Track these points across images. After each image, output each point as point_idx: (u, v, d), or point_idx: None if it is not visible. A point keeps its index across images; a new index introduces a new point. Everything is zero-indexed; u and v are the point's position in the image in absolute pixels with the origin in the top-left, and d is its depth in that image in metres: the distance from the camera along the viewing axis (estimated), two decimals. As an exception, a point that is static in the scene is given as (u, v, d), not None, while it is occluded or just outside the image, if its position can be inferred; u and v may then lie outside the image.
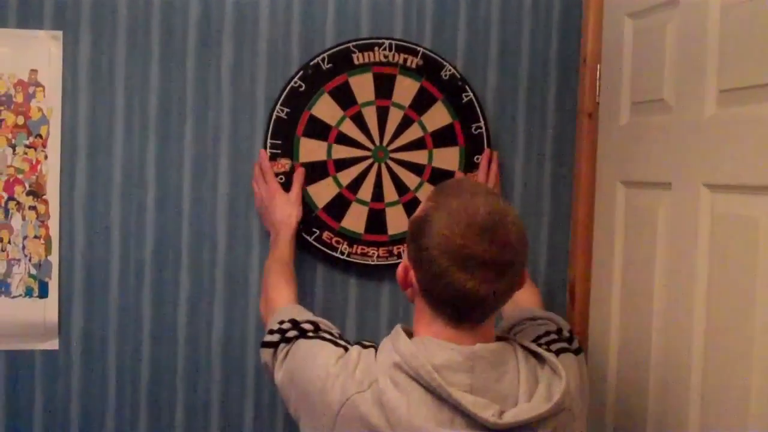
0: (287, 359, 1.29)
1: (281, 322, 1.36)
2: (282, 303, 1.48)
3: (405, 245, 1.24)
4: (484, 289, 1.12)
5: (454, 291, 1.12)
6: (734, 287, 1.25)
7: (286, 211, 1.65)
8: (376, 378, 1.13)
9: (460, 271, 1.11)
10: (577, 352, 1.31)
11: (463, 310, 1.15)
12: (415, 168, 1.75)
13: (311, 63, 1.71)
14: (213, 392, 1.76)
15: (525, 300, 1.53)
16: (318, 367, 1.20)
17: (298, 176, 1.69)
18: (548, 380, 1.16)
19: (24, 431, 1.70)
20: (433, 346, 1.14)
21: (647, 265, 1.51)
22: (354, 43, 1.72)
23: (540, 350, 1.21)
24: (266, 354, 1.36)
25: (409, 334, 1.20)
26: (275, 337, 1.34)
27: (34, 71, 1.66)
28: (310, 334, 1.31)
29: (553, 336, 1.32)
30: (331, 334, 1.32)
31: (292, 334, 1.32)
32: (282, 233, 1.62)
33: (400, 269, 1.23)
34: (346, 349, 1.23)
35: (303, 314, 1.39)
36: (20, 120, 1.65)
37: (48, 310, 1.68)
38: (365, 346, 1.21)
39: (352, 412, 1.12)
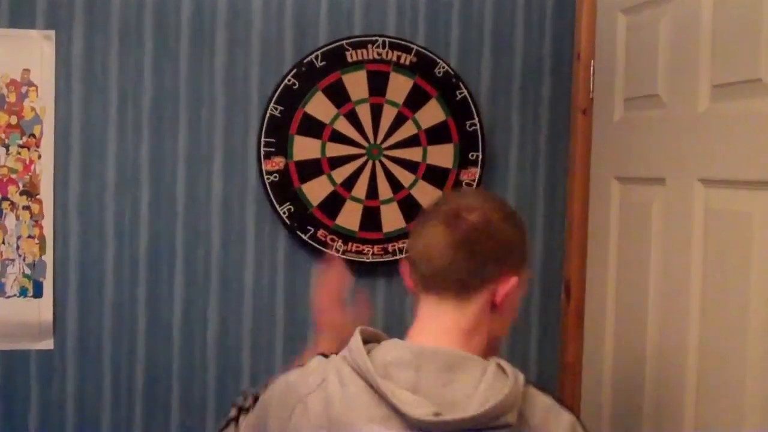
0: (254, 411, 1.23)
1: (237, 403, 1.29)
2: None
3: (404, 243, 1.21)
4: (436, 246, 1.10)
5: (417, 248, 1.12)
6: (729, 281, 1.26)
7: (329, 341, 1.44)
8: (327, 375, 1.10)
9: (421, 225, 1.13)
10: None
11: (427, 276, 1.12)
12: (410, 165, 1.75)
13: (305, 61, 1.70)
14: (209, 390, 1.75)
15: None
16: (277, 385, 1.17)
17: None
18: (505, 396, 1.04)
19: (20, 431, 1.69)
20: (390, 344, 1.11)
21: (642, 261, 1.51)
22: (347, 41, 1.72)
23: (512, 371, 1.08)
24: None
25: (377, 339, 1.14)
26: (233, 413, 1.28)
27: (26, 71, 1.65)
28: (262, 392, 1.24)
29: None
30: None
31: (249, 402, 1.26)
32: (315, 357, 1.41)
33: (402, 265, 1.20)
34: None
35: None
36: (13, 120, 1.65)
37: (43, 309, 1.68)
38: (327, 356, 1.16)
39: (303, 415, 1.09)
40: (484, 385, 1.06)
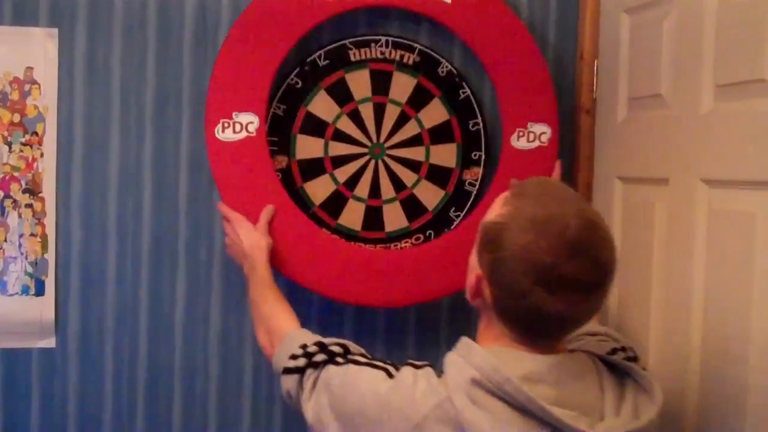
0: (317, 389, 1.16)
1: (304, 346, 1.23)
2: (289, 328, 1.35)
3: (476, 251, 1.10)
4: (572, 310, 1.01)
5: (535, 312, 1.01)
6: (731, 282, 1.25)
7: (253, 237, 1.53)
8: (447, 397, 1.02)
9: (545, 292, 1.00)
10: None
11: (542, 330, 1.05)
12: (412, 165, 1.74)
13: (308, 59, 1.70)
14: (210, 389, 1.75)
15: None
16: (365, 397, 1.08)
17: (266, 212, 1.58)
18: (634, 395, 1.08)
19: (21, 429, 1.69)
20: (510, 356, 1.04)
21: (645, 260, 1.51)
22: (350, 40, 1.72)
23: (622, 362, 1.13)
24: (290, 381, 1.22)
25: None
26: (301, 362, 1.21)
27: (29, 69, 1.65)
28: (340, 359, 1.17)
29: (622, 354, 1.22)
30: (363, 356, 1.19)
31: (320, 358, 1.19)
32: (256, 257, 1.51)
33: (471, 280, 1.09)
34: (389, 372, 1.10)
35: (327, 338, 1.25)
36: (16, 117, 1.65)
37: (45, 307, 1.68)
38: (418, 366, 1.09)
39: None
40: (607, 385, 1.07)
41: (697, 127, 1.36)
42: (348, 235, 1.73)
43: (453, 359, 1.06)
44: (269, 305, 1.44)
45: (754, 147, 1.21)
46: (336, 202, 1.72)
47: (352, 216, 1.73)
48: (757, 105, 1.21)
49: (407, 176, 1.75)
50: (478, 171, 1.76)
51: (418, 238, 1.74)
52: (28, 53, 1.65)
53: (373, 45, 1.72)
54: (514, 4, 1.80)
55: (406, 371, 1.09)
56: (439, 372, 1.08)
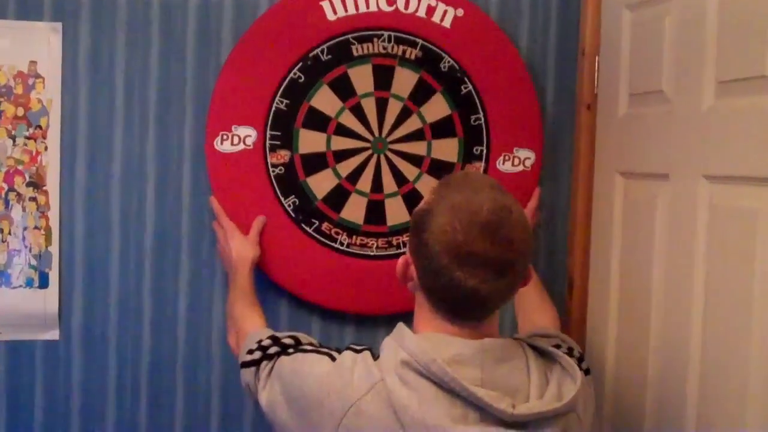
0: (271, 378, 1.25)
1: (259, 341, 1.32)
2: (253, 329, 1.43)
3: (407, 237, 1.20)
4: (485, 288, 1.09)
5: (453, 289, 1.10)
6: (732, 278, 1.26)
7: (242, 249, 1.62)
8: (381, 378, 1.10)
9: (459, 269, 1.08)
10: (585, 372, 1.27)
11: (463, 308, 1.13)
12: (414, 159, 1.75)
13: (310, 54, 1.71)
14: (213, 381, 1.76)
15: (542, 321, 1.55)
16: (309, 379, 1.17)
17: (257, 222, 1.67)
18: (558, 379, 1.15)
19: (25, 422, 1.70)
20: (439, 340, 1.12)
21: (645, 257, 1.52)
22: (353, 35, 1.72)
23: (551, 349, 1.20)
24: (248, 374, 1.31)
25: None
26: (256, 355, 1.30)
27: (33, 63, 1.66)
28: (291, 350, 1.26)
29: (564, 351, 1.29)
30: (312, 345, 1.28)
31: (273, 350, 1.29)
32: (239, 269, 1.60)
33: (400, 262, 1.19)
34: (332, 357, 1.19)
35: (280, 332, 1.35)
36: (20, 111, 1.65)
37: (48, 300, 1.68)
38: (357, 351, 1.18)
39: (358, 419, 1.09)
40: (533, 369, 1.14)
41: (699, 123, 1.37)
42: (350, 229, 1.73)
43: (388, 342, 1.16)
44: (241, 309, 1.53)
45: (755, 143, 1.22)
46: (338, 196, 1.73)
47: (355, 210, 1.74)
48: (759, 101, 1.22)
49: (409, 171, 1.75)
50: (480, 166, 1.77)
51: (419, 233, 1.75)
52: (32, 47, 1.65)
53: (375, 40, 1.72)
54: (516, 0, 1.80)
55: (346, 355, 1.18)
56: (377, 355, 1.16)
